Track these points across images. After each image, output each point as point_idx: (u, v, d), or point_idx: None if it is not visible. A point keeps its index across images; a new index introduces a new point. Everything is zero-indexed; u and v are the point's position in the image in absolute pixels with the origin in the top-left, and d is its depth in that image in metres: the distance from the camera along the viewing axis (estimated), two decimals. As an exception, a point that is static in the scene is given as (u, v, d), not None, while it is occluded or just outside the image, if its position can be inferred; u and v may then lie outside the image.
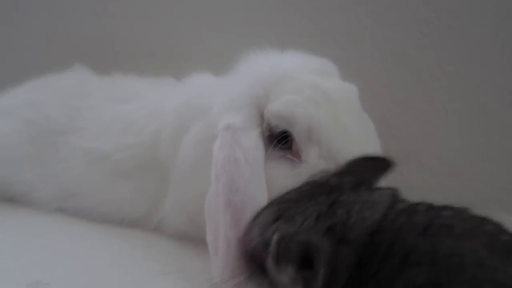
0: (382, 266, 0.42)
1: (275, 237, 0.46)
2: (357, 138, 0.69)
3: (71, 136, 1.04)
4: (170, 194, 0.89)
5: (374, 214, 0.46)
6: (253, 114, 0.72)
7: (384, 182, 0.56)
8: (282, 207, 0.50)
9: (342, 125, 0.69)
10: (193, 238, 0.87)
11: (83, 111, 1.06)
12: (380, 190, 0.50)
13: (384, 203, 0.47)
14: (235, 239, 0.61)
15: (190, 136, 0.83)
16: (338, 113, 0.69)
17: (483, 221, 0.45)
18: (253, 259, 0.51)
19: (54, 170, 1.03)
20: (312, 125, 0.67)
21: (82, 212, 0.99)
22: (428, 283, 0.39)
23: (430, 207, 0.47)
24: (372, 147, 0.71)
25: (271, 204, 0.53)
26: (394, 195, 0.50)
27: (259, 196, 0.64)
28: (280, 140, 0.70)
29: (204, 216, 0.81)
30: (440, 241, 0.42)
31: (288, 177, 0.67)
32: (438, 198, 0.50)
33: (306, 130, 0.67)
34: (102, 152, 0.97)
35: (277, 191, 0.57)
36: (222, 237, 0.63)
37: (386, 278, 0.41)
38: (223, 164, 0.66)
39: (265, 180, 0.67)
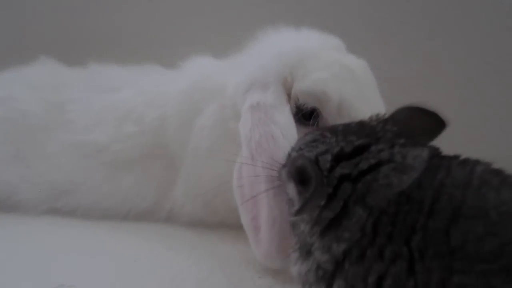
0: (429, 219, 0.44)
1: (291, 156, 0.54)
2: (380, 111, 0.71)
3: (56, 131, 0.97)
4: (181, 180, 0.86)
5: (402, 183, 0.46)
6: (281, 92, 0.71)
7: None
8: (318, 137, 0.53)
9: (368, 99, 0.71)
10: (208, 224, 0.86)
11: (66, 104, 0.99)
12: (417, 150, 0.50)
13: (418, 170, 0.48)
14: (279, 215, 0.62)
15: (204, 119, 0.80)
16: (362, 88, 0.72)
17: (506, 173, 0.48)
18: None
19: (40, 168, 0.95)
20: (343, 101, 0.68)
21: (78, 210, 0.93)
22: (486, 232, 0.41)
23: (464, 162, 0.50)
24: None
25: (314, 132, 0.55)
26: (431, 156, 0.50)
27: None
28: (306, 117, 0.71)
29: (221, 199, 0.81)
30: (484, 194, 0.44)
31: None
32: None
33: (336, 106, 0.69)
34: (98, 144, 0.92)
35: None
36: (265, 215, 0.63)
37: (438, 229, 0.43)
38: (260, 142, 0.65)
39: None
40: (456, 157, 0.50)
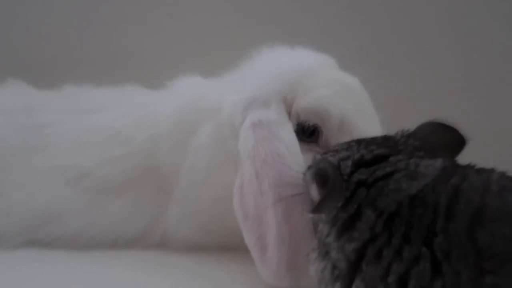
0: (449, 222, 0.45)
1: (315, 160, 0.57)
2: (378, 128, 0.74)
3: (33, 157, 0.90)
4: (174, 203, 0.82)
5: (411, 188, 0.48)
6: (283, 109, 0.71)
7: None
8: (344, 145, 0.56)
9: (366, 116, 0.73)
10: (204, 247, 0.83)
11: (43, 128, 0.93)
12: (432, 160, 0.52)
13: (429, 177, 0.49)
14: (288, 233, 0.61)
15: (200, 138, 0.78)
16: (361, 105, 0.74)
17: None
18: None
19: (16, 197, 0.88)
20: (343, 117, 0.70)
21: (61, 240, 0.86)
22: None
23: (480, 169, 0.52)
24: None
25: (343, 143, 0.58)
26: (445, 165, 0.52)
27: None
28: (307, 135, 0.72)
29: (218, 220, 0.79)
30: (506, 197, 0.46)
31: None
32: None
33: (338, 123, 0.70)
34: (82, 169, 0.86)
35: None
36: (274, 233, 0.62)
37: (460, 231, 0.44)
38: (266, 160, 0.64)
39: None
40: (471, 165, 0.52)
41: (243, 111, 0.72)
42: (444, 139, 0.56)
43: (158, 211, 0.85)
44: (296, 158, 0.65)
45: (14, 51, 1.31)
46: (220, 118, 0.77)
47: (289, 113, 0.72)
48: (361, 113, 0.72)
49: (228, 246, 0.80)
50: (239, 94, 0.74)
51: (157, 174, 0.84)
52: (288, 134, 0.68)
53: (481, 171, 0.51)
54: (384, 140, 0.54)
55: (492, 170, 0.51)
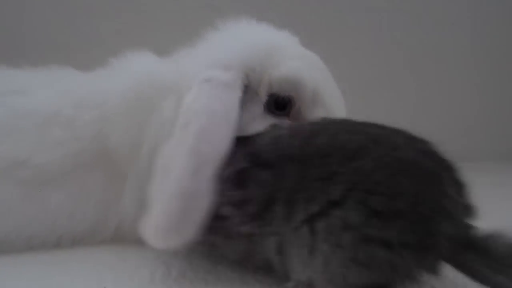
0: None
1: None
2: (342, 102, 0.75)
3: None
4: (131, 190, 0.73)
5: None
6: (240, 78, 0.67)
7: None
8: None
9: (335, 90, 0.74)
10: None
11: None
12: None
13: (285, 136, 0.58)
14: (191, 189, 0.56)
15: (165, 114, 0.70)
16: (329, 80, 0.74)
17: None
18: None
19: None
20: (317, 89, 0.69)
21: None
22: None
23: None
24: None
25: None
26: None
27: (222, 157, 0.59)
28: (279, 107, 0.70)
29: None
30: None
31: None
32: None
33: (312, 93, 0.69)
34: (14, 158, 0.73)
35: None
36: (174, 186, 0.56)
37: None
38: (198, 112, 0.60)
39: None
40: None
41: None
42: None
43: (111, 201, 0.75)
44: (228, 125, 0.61)
45: None
46: (183, 90, 0.70)
47: (259, 85, 0.70)
48: (331, 87, 0.73)
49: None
50: (202, 63, 0.69)
51: (108, 159, 0.74)
52: (233, 100, 0.64)
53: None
54: None
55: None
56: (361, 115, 0.60)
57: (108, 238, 0.76)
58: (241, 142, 0.60)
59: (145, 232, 0.57)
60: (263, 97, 0.70)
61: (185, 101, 0.64)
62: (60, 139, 0.74)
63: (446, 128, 1.31)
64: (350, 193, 0.48)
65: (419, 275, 0.49)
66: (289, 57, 0.70)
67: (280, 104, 0.70)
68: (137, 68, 0.78)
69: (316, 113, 0.69)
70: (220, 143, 0.59)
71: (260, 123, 0.68)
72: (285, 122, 0.69)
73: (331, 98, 0.72)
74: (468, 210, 0.51)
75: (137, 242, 0.72)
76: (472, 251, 0.48)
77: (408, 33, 1.67)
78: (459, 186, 0.51)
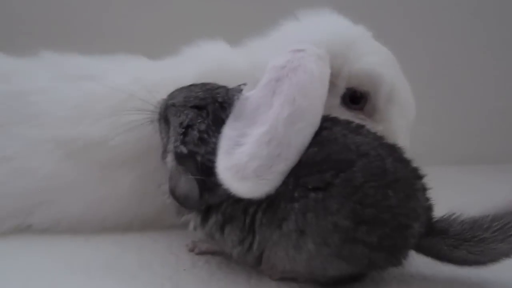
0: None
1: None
2: (413, 98, 0.74)
3: (18, 127, 0.75)
4: None
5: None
6: (328, 58, 0.66)
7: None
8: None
9: (407, 86, 0.73)
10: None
11: (27, 96, 0.78)
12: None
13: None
14: (284, 138, 0.54)
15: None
16: (402, 76, 0.73)
17: None
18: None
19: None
20: (393, 85, 0.69)
21: (62, 223, 0.73)
22: None
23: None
24: None
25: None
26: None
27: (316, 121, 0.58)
28: (354, 101, 0.69)
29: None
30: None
31: None
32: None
33: (389, 90, 0.68)
34: (91, 139, 0.74)
35: None
36: (266, 132, 0.55)
37: None
38: (296, 69, 0.59)
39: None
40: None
41: None
42: None
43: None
44: (323, 90, 0.60)
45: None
46: (256, 76, 0.69)
47: (337, 76, 0.68)
48: (405, 85, 0.72)
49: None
50: (283, 47, 0.66)
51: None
52: (326, 73, 0.63)
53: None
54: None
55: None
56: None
57: (177, 223, 0.76)
58: None
59: (220, 173, 0.54)
60: (342, 89, 0.69)
61: (271, 63, 0.62)
62: (134, 123, 0.75)
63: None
64: (344, 204, 0.52)
65: (389, 267, 0.57)
66: (368, 51, 0.70)
67: (356, 98, 0.69)
68: (209, 55, 0.79)
69: (391, 110, 0.69)
70: (315, 101, 0.58)
71: (337, 115, 0.67)
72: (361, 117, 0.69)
73: (405, 96, 0.71)
74: (430, 209, 0.58)
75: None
76: (432, 235, 0.56)
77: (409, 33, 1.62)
78: (425, 190, 0.58)
